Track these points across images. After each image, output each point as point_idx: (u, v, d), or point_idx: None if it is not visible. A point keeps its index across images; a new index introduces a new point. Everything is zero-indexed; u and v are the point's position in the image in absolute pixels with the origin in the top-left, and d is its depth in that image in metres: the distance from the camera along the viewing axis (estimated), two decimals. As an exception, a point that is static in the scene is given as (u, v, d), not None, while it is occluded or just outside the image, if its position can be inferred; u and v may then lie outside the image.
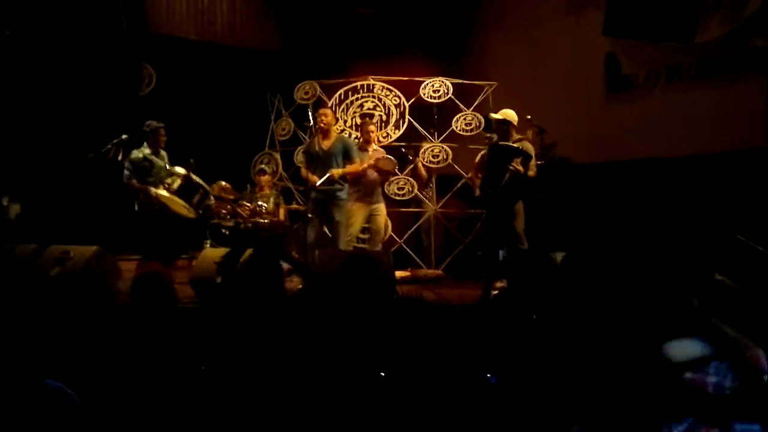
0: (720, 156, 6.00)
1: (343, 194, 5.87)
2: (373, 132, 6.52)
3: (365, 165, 6.01)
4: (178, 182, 5.68)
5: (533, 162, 5.72)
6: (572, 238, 5.76)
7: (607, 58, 7.13)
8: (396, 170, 6.57)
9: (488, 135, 6.21)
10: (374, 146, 6.48)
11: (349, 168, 5.87)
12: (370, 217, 6.29)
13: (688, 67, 6.47)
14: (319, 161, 5.80)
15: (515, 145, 5.70)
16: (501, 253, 5.50)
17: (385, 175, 6.37)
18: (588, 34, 7.01)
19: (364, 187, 6.15)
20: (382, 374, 4.31)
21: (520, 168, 5.60)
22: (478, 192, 6.06)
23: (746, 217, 5.30)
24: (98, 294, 4.98)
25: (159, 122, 6.04)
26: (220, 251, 5.17)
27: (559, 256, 4.80)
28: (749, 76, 5.99)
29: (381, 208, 6.33)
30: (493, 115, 5.96)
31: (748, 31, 5.98)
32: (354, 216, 6.09)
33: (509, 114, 5.87)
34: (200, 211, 5.84)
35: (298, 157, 7.24)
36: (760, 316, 3.44)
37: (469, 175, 7.00)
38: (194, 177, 5.73)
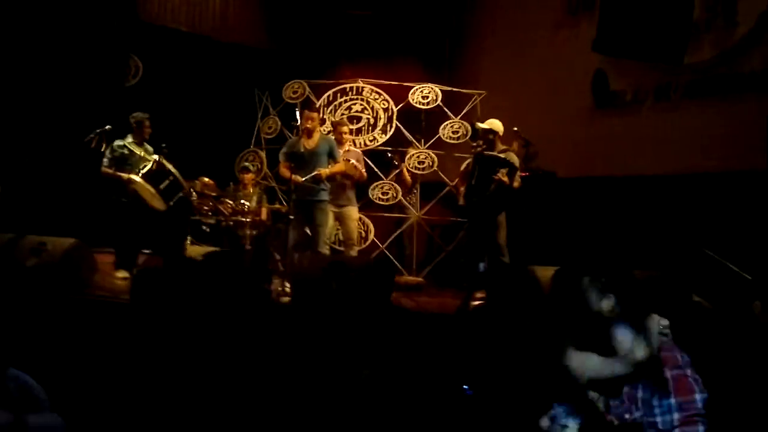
0: (705, 176, 6.05)
1: (326, 196, 5.82)
2: (345, 133, 6.41)
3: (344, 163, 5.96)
4: (148, 166, 5.61)
5: (518, 173, 5.73)
6: (553, 252, 5.77)
7: (595, 75, 7.16)
8: (362, 172, 6.43)
9: (474, 144, 6.20)
10: (347, 147, 6.41)
11: (336, 167, 5.81)
12: (340, 222, 6.25)
13: (676, 88, 6.52)
14: (304, 161, 5.72)
15: (501, 155, 5.71)
16: (481, 265, 5.49)
17: (348, 177, 6.27)
18: (579, 48, 7.04)
19: (331, 190, 6.10)
20: (366, 372, 4.31)
21: (506, 179, 5.60)
22: (461, 201, 6.06)
23: (728, 238, 5.36)
24: (74, 286, 4.92)
25: (144, 113, 5.96)
26: (201, 249, 5.14)
27: (539, 270, 4.84)
28: (737, 99, 6.05)
29: (349, 211, 6.23)
30: (480, 125, 5.97)
31: (737, 55, 6.04)
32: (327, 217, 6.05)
33: (495, 124, 5.88)
34: (171, 203, 5.71)
35: (280, 155, 7.19)
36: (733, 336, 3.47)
37: (454, 183, 7.00)
38: (166, 163, 5.64)
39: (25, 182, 6.33)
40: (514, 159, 5.75)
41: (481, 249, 5.71)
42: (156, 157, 5.66)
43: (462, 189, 6.09)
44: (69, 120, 6.60)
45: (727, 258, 5.06)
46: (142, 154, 5.84)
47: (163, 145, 5.75)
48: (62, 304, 4.53)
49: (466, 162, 6.33)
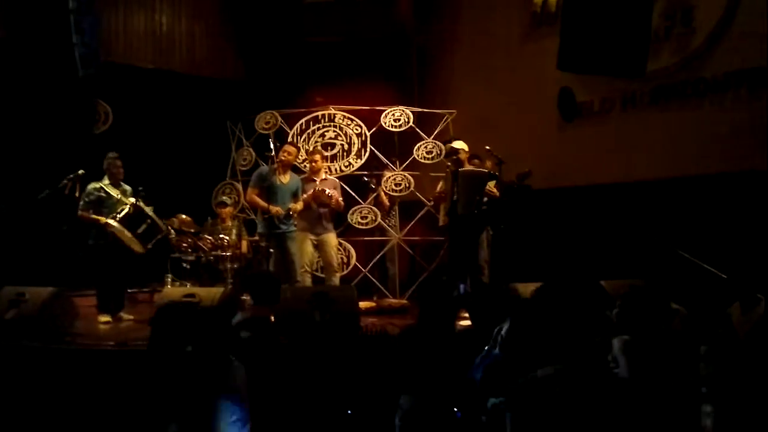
0: (676, 181, 6.16)
1: (294, 227, 6.06)
2: (318, 161, 6.45)
3: (304, 198, 6.10)
4: (125, 210, 5.59)
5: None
6: (532, 266, 5.82)
7: (560, 93, 7.27)
8: (337, 199, 6.40)
9: (448, 163, 6.27)
10: (322, 176, 6.46)
11: (298, 206, 6.02)
12: (319, 249, 6.27)
13: (641, 95, 6.65)
14: (278, 194, 5.94)
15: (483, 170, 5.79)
16: (462, 286, 5.52)
17: (324, 206, 6.30)
18: (545, 61, 7.13)
19: (306, 219, 6.14)
20: (349, 412, 4.30)
21: (495, 191, 5.70)
22: (442, 220, 6.10)
23: (702, 240, 5.46)
24: (55, 336, 4.86)
25: (113, 153, 5.96)
26: (181, 290, 5.12)
27: (521, 287, 4.87)
28: (700, 103, 6.19)
29: (328, 238, 6.27)
30: (448, 145, 6.14)
31: (697, 61, 6.18)
32: (301, 246, 6.09)
33: (458, 143, 6.12)
34: (149, 246, 5.70)
35: (250, 184, 7.19)
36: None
37: (431, 203, 7.06)
38: (143, 206, 5.64)
39: (1, 232, 6.28)
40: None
41: (463, 268, 5.75)
42: (133, 200, 5.64)
43: (441, 208, 6.14)
44: (42, 168, 6.56)
45: (703, 260, 5.16)
46: (119, 196, 5.81)
47: (140, 188, 5.77)
48: (43, 355, 4.49)
49: (440, 182, 6.39)
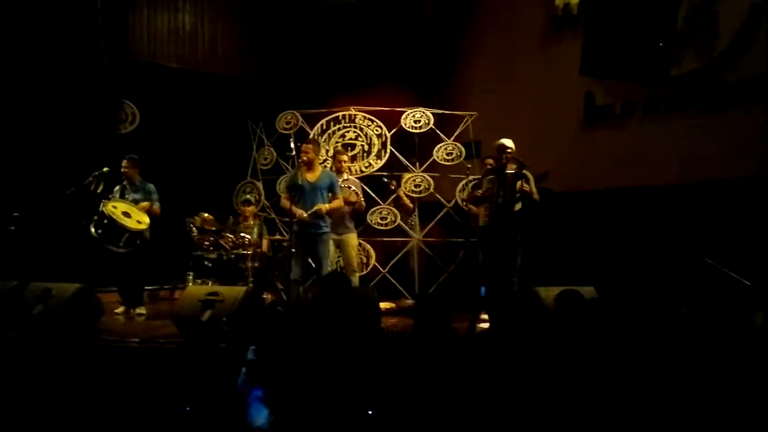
0: (697, 186, 6.14)
1: (327, 228, 5.87)
2: (344, 162, 6.50)
3: (342, 199, 6.02)
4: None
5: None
6: (553, 270, 5.83)
7: (586, 97, 7.25)
8: (361, 199, 6.48)
9: (490, 161, 6.20)
10: (345, 176, 6.49)
11: (334, 204, 5.84)
12: (340, 249, 6.30)
13: (663, 100, 6.63)
14: (305, 194, 5.73)
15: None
16: (483, 289, 5.51)
17: (350, 206, 6.34)
18: (565, 64, 7.14)
19: (331, 219, 6.15)
20: (369, 413, 4.35)
21: (529, 189, 5.66)
22: (481, 221, 5.93)
23: (724, 246, 5.43)
24: (81, 331, 4.95)
25: (128, 155, 6.09)
26: (204, 288, 5.18)
27: (542, 291, 4.87)
28: (723, 108, 6.16)
29: (349, 238, 6.29)
30: (504, 141, 5.96)
31: (721, 66, 6.16)
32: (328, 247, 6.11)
33: (509, 142, 5.92)
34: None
35: (280, 187, 7.25)
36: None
37: (450, 204, 7.08)
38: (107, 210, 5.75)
39: (28, 229, 6.38)
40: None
41: (498, 271, 5.65)
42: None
43: (476, 210, 6.03)
44: (68, 166, 6.67)
45: (725, 266, 5.13)
46: (129, 198, 6.05)
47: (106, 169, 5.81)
48: (69, 350, 4.57)
49: (473, 183, 6.29)
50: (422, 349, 3.48)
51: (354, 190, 6.24)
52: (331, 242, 6.14)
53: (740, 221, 5.63)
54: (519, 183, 5.67)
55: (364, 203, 6.43)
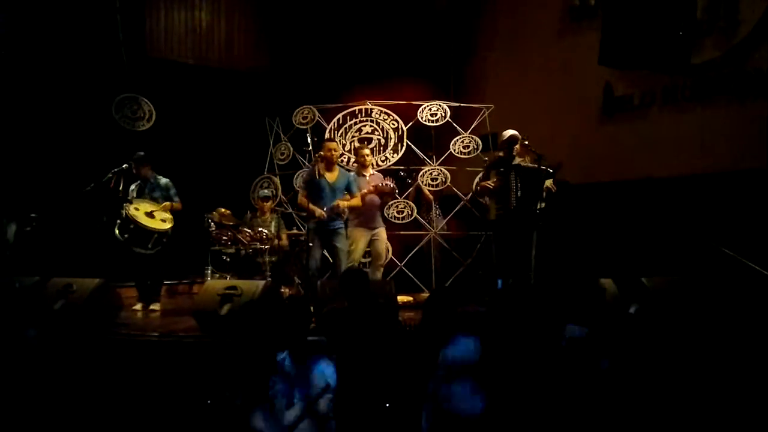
0: (716, 176, 6.07)
1: (341, 224, 5.96)
2: (368, 156, 6.51)
3: (364, 193, 6.04)
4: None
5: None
6: (571, 263, 5.79)
7: (605, 87, 7.17)
8: (395, 193, 6.57)
9: (500, 154, 6.17)
10: (371, 171, 6.51)
11: (353, 201, 5.94)
12: (371, 242, 6.31)
13: (683, 90, 6.55)
14: (323, 192, 5.84)
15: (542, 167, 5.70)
16: (500, 281, 5.48)
17: (385, 198, 6.38)
18: (583, 55, 7.08)
19: (364, 213, 6.18)
20: (387, 405, 4.35)
21: (553, 187, 5.63)
22: (493, 214, 5.90)
23: (742, 237, 5.37)
24: (102, 326, 5.00)
25: (133, 157, 6.10)
26: (223, 283, 5.21)
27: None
28: (743, 97, 6.07)
29: (381, 232, 6.35)
30: (514, 132, 5.93)
31: (741, 54, 6.06)
32: (356, 242, 6.12)
33: (513, 133, 5.92)
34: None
35: (298, 183, 7.28)
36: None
37: (468, 197, 7.05)
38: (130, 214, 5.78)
39: (48, 225, 6.47)
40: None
41: (511, 265, 5.64)
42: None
43: (489, 202, 6.00)
44: (88, 162, 6.74)
45: (745, 257, 5.07)
46: (145, 195, 6.08)
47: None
48: (90, 344, 4.63)
49: (491, 174, 6.25)
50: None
51: (388, 182, 6.23)
52: (364, 237, 6.17)
53: (763, 212, 5.55)
54: (549, 182, 5.64)
55: (394, 185, 6.39)
